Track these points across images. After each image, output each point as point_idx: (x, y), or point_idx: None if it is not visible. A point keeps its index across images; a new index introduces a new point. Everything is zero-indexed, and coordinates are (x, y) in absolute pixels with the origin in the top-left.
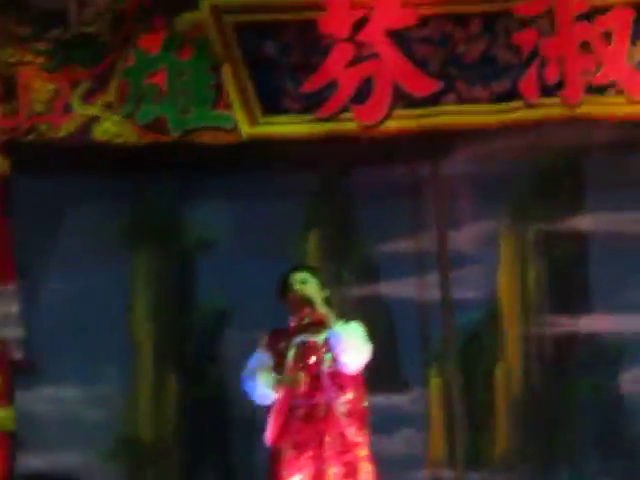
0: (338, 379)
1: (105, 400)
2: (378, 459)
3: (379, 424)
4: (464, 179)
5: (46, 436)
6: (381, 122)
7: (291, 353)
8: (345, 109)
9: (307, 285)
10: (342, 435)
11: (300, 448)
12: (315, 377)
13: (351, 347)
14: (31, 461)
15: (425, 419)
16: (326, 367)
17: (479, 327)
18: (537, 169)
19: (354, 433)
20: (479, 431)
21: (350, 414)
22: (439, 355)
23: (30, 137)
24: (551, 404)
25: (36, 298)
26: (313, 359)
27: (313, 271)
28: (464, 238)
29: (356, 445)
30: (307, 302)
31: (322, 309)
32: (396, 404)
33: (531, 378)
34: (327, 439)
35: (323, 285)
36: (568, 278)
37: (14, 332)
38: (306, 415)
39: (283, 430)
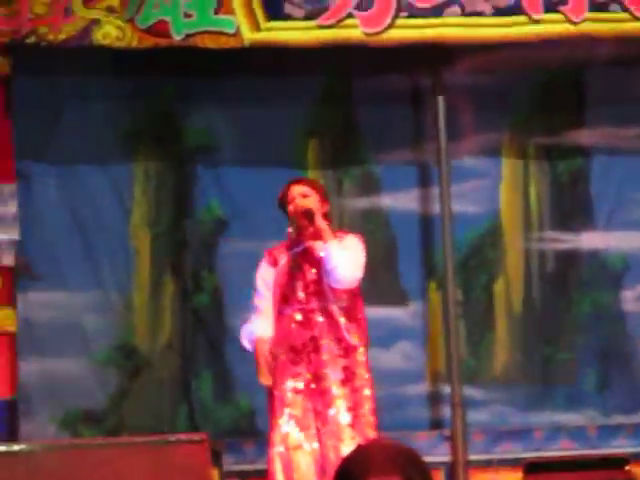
0: (334, 288)
1: (103, 306)
2: (376, 372)
3: (378, 337)
4: (466, 91)
5: (43, 341)
6: (384, 31)
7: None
8: (348, 16)
9: (307, 199)
10: (340, 339)
11: (297, 352)
12: (312, 282)
13: (343, 264)
14: (28, 366)
15: (424, 333)
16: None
17: (480, 241)
18: (539, 83)
19: (352, 338)
20: (478, 346)
21: (348, 320)
22: (439, 269)
23: (30, 39)
24: (551, 321)
25: (34, 201)
26: (311, 265)
27: (314, 184)
28: (465, 151)
29: (354, 350)
30: (306, 216)
31: (320, 224)
32: (395, 317)
33: (532, 294)
34: (324, 343)
35: (324, 198)
36: (570, 193)
37: (10, 233)
38: (303, 320)
39: (278, 335)
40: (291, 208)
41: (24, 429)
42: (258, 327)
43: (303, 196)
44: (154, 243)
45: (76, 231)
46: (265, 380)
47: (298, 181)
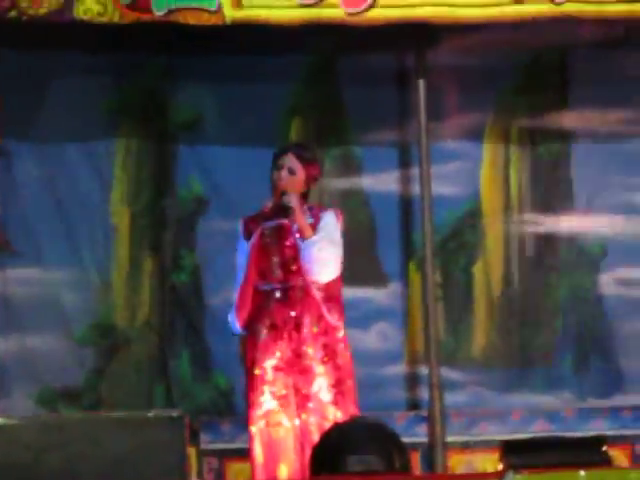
0: None
1: (81, 284)
2: (354, 353)
3: (357, 318)
4: (450, 71)
5: (20, 318)
6: (366, 10)
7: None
8: None
9: (293, 177)
10: (320, 317)
11: (276, 330)
12: (290, 260)
13: (321, 264)
14: (5, 343)
15: (404, 315)
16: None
17: (460, 223)
18: (523, 65)
19: (332, 317)
20: (457, 329)
21: (327, 299)
22: (419, 250)
23: (11, 14)
24: (530, 303)
25: (14, 177)
26: (288, 242)
27: (309, 156)
28: (447, 132)
29: (335, 328)
30: (286, 208)
31: (300, 220)
32: (374, 298)
33: (511, 276)
34: (305, 321)
35: (312, 175)
36: (551, 176)
37: None
38: (283, 298)
39: (257, 312)
40: (274, 177)
41: (1, 406)
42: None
43: (290, 171)
44: (134, 221)
45: (56, 208)
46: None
47: (295, 148)
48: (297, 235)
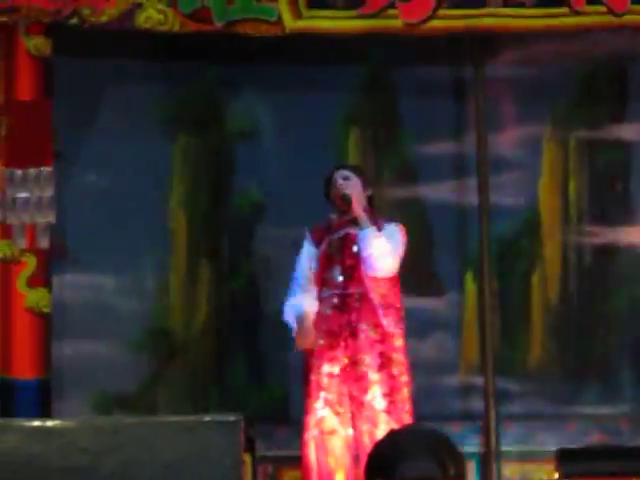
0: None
1: (138, 290)
2: (411, 362)
3: (413, 328)
4: (507, 82)
5: (77, 324)
6: (426, 21)
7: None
8: (390, 6)
9: (347, 183)
10: (377, 325)
11: (334, 337)
12: (350, 268)
13: (379, 253)
14: (62, 349)
15: (460, 324)
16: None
17: (517, 234)
18: (581, 76)
19: (389, 324)
20: (513, 339)
21: (385, 307)
22: (476, 260)
23: (73, 21)
24: (587, 315)
25: (72, 183)
26: (351, 250)
27: (358, 169)
28: (505, 143)
29: (392, 336)
30: (344, 200)
31: (357, 210)
32: (431, 308)
33: (568, 288)
34: (362, 327)
35: (366, 183)
36: (609, 188)
37: (46, 217)
38: (340, 304)
39: (316, 318)
40: (334, 192)
41: (57, 410)
42: (305, 301)
43: (344, 178)
44: (191, 226)
45: (113, 214)
46: (307, 344)
47: (342, 166)
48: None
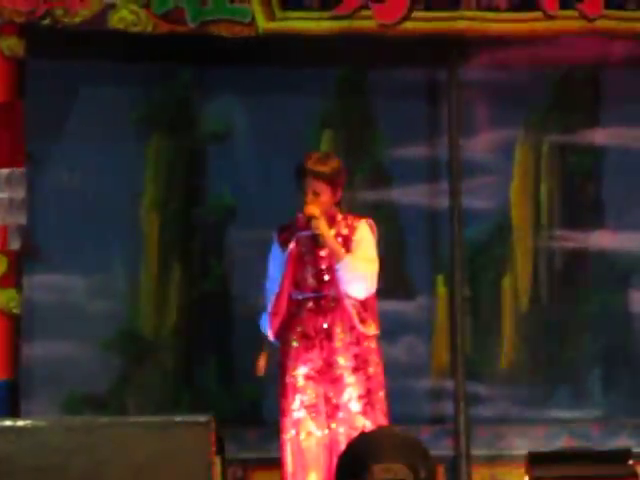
0: None
1: (109, 291)
2: None
3: (383, 331)
4: (480, 86)
5: (47, 324)
6: (399, 22)
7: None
8: (363, 7)
9: (318, 200)
10: (352, 327)
11: (308, 339)
12: (323, 270)
13: (357, 282)
14: (32, 349)
15: (430, 328)
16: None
17: (489, 238)
18: (555, 80)
19: (364, 326)
20: (483, 343)
21: (360, 308)
22: (447, 264)
23: (46, 21)
24: (558, 320)
25: (44, 184)
26: (322, 252)
27: (330, 175)
28: (477, 147)
29: (366, 338)
30: (313, 224)
31: (329, 242)
32: (402, 311)
33: (539, 292)
34: (336, 330)
35: (338, 185)
36: (581, 193)
37: (17, 218)
38: (315, 307)
39: (290, 321)
40: (301, 199)
41: (25, 411)
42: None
43: (314, 194)
44: (163, 228)
45: (85, 215)
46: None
47: (314, 173)
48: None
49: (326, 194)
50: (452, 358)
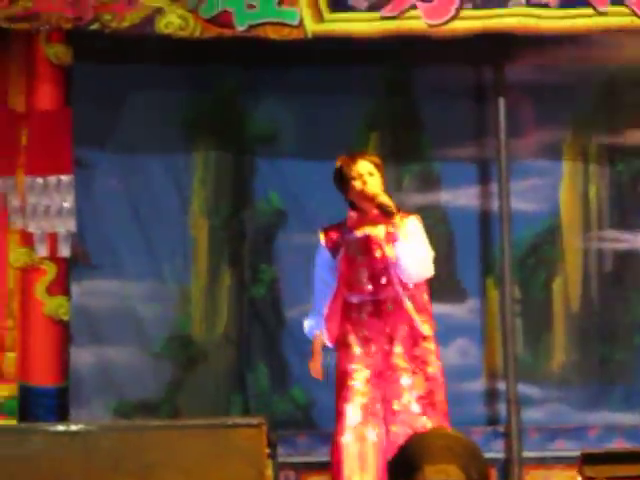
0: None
1: (159, 296)
2: None
3: (435, 334)
4: (528, 87)
5: (99, 330)
6: (447, 22)
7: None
8: (411, 7)
9: (373, 179)
10: (412, 329)
11: (369, 342)
12: (379, 272)
13: (416, 264)
14: (82, 355)
15: (482, 330)
16: (390, 261)
17: (539, 239)
18: (602, 81)
19: (423, 328)
20: (535, 345)
21: (418, 310)
22: (497, 266)
23: (94, 27)
24: (608, 320)
25: (94, 190)
26: (377, 253)
27: (377, 160)
28: (526, 148)
29: (425, 339)
30: (387, 212)
31: (396, 221)
32: (453, 314)
33: (589, 293)
34: (397, 333)
35: (383, 175)
36: (630, 193)
37: (67, 225)
38: (374, 310)
39: (349, 325)
40: (357, 186)
41: (76, 417)
42: (316, 325)
43: (370, 174)
44: (212, 233)
45: (135, 220)
46: (313, 371)
47: (361, 156)
48: (385, 244)
49: (378, 177)
50: (504, 360)
